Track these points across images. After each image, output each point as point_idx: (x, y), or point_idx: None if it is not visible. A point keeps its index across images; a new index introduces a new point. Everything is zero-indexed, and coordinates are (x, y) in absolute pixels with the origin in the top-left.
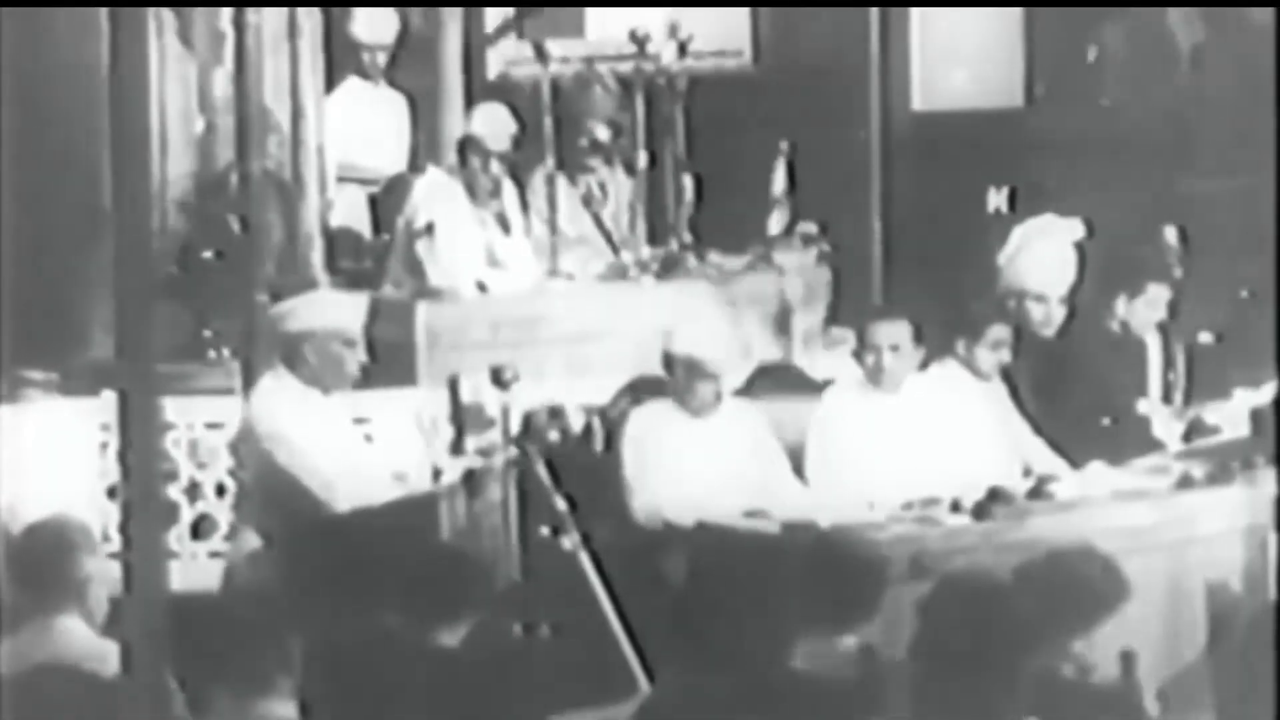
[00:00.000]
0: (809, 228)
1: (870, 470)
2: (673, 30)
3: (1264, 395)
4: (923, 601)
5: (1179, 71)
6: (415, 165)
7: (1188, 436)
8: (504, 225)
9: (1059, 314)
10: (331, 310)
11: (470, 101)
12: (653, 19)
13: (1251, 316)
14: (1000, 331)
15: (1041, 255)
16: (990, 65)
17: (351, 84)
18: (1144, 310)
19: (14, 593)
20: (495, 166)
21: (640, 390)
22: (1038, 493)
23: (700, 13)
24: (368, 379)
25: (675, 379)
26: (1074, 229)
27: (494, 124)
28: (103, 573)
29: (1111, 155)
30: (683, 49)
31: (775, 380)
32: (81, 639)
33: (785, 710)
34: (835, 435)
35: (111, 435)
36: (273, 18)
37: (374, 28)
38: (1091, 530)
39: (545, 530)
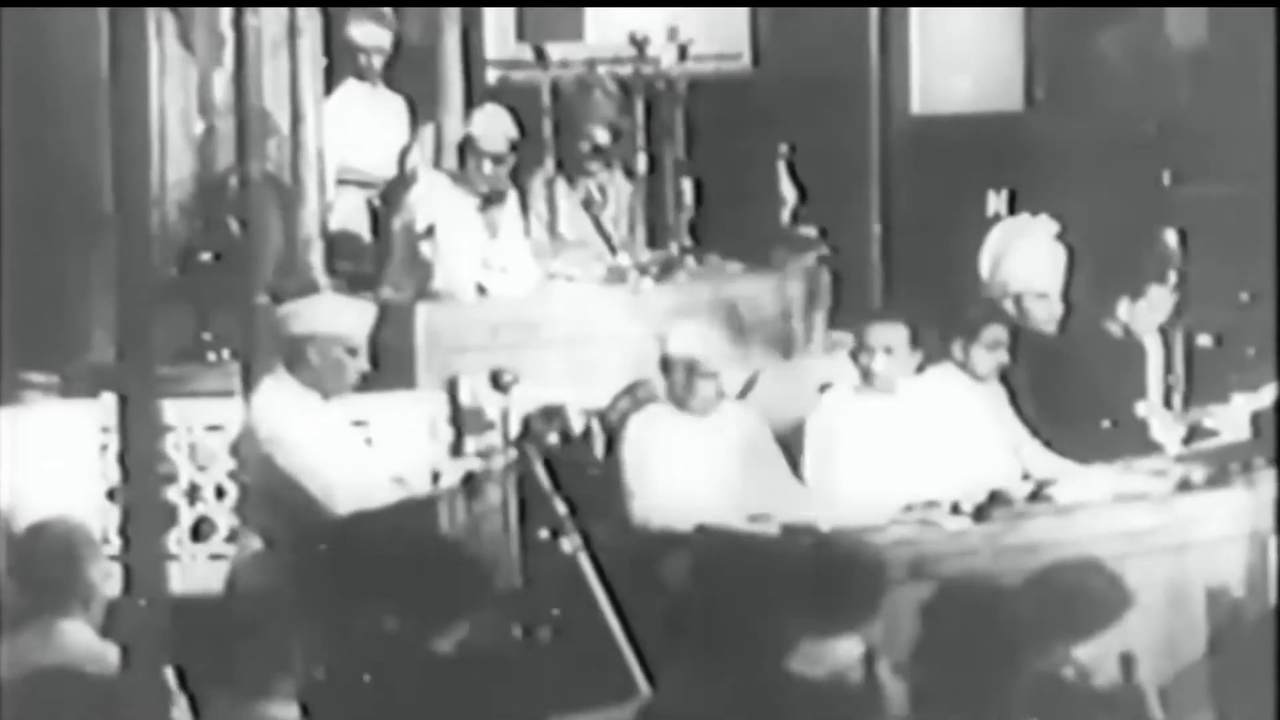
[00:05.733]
0: (809, 231)
1: (869, 472)
2: (672, 34)
3: (1264, 398)
4: (924, 605)
5: (1178, 74)
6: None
7: (1187, 439)
8: (493, 229)
9: (1059, 309)
10: (337, 315)
11: (470, 105)
12: (652, 23)
13: (1251, 320)
14: (997, 332)
15: (1032, 253)
16: (990, 69)
17: (350, 86)
18: (1146, 313)
19: (15, 594)
20: (494, 169)
21: (640, 393)
22: (1038, 496)
23: (700, 16)
24: (367, 384)
25: (674, 381)
26: (1049, 225)
27: (492, 126)
28: (105, 575)
29: (1111, 158)
30: (682, 52)
31: (775, 383)
32: (83, 641)
33: (785, 713)
34: (832, 437)
35: (111, 437)
36: (272, 21)
37: (369, 30)
38: (1091, 533)
39: (545, 533)
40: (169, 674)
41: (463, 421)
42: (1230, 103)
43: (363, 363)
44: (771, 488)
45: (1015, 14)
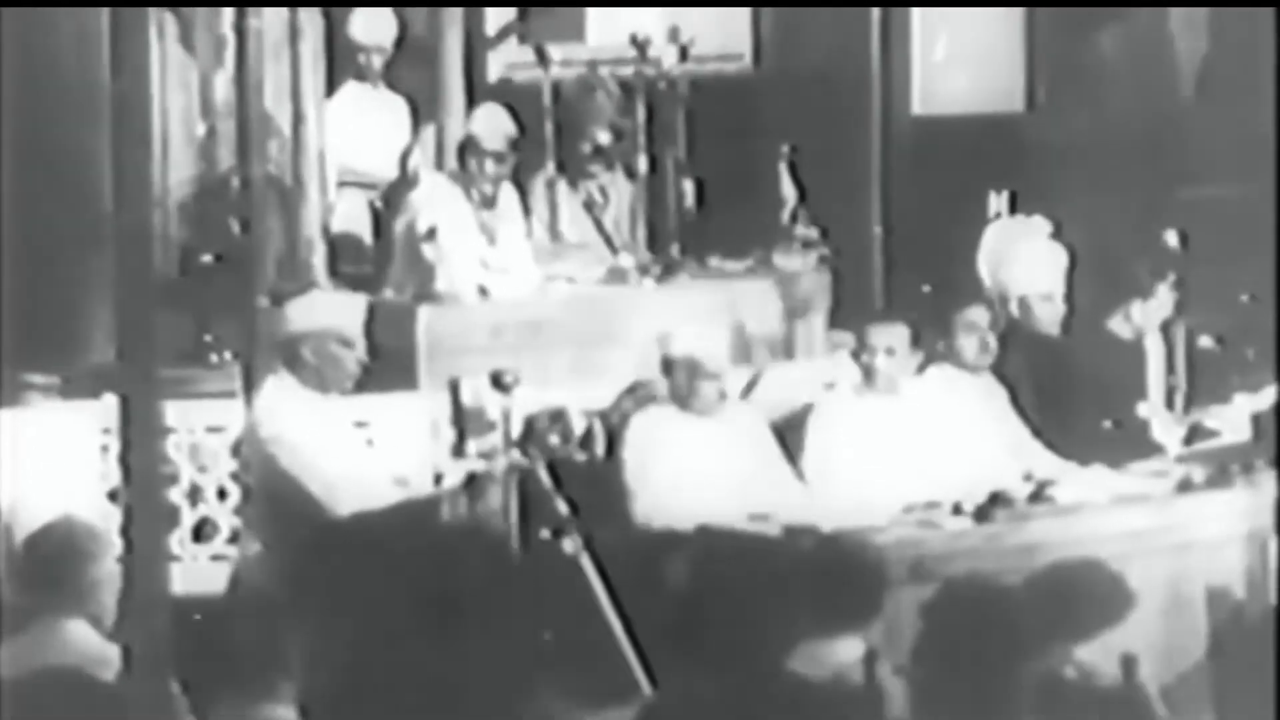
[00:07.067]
0: (810, 232)
1: (870, 473)
2: (674, 34)
3: (1264, 399)
4: (925, 605)
5: (1179, 75)
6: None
7: (1188, 440)
8: (494, 231)
9: (1063, 309)
10: (328, 311)
11: (471, 105)
12: (654, 23)
13: (1252, 321)
14: (974, 314)
15: (1033, 255)
16: (991, 70)
17: (351, 88)
18: (1156, 311)
19: (18, 595)
20: (492, 168)
21: (641, 394)
22: (1039, 496)
23: (701, 17)
24: (369, 378)
25: (676, 382)
26: (1043, 225)
27: (492, 125)
28: (111, 576)
29: (1112, 160)
30: (684, 53)
31: (776, 384)
32: (86, 642)
33: (786, 713)
34: (833, 437)
35: (113, 439)
36: (274, 22)
37: (371, 29)
38: (1093, 534)
39: (546, 534)
40: (171, 677)
41: (464, 422)
42: (1231, 104)
43: (360, 352)
44: (773, 488)
45: (1016, 15)
